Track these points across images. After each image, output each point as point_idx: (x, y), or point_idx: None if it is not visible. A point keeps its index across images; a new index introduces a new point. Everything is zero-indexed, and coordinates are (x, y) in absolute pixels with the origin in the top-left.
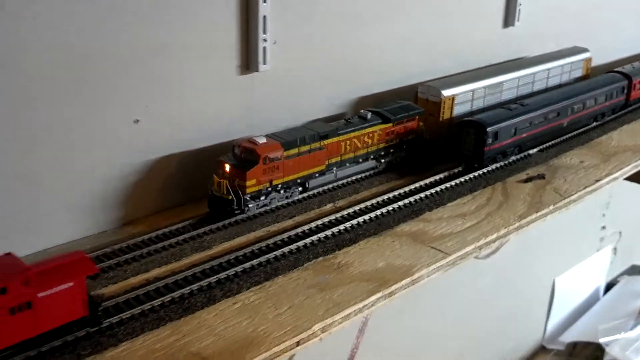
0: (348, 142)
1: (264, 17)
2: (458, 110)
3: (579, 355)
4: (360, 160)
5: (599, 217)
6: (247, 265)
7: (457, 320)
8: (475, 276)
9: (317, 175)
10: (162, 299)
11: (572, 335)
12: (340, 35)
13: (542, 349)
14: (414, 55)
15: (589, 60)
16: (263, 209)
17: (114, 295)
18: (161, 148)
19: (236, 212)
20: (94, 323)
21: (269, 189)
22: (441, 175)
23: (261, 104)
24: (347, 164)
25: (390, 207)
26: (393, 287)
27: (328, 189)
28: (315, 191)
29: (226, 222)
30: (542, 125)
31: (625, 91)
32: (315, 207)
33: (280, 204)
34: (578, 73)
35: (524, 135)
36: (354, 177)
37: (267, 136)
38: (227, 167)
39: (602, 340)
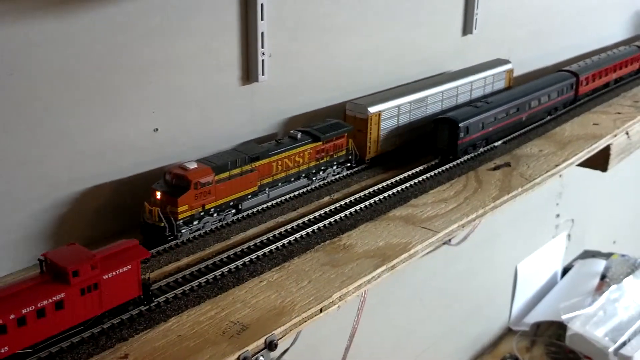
0: (279, 162)
1: (262, 33)
2: (385, 125)
3: (543, 334)
4: (292, 179)
5: (553, 206)
6: (266, 250)
7: (433, 307)
8: (447, 264)
9: (249, 196)
10: (198, 280)
11: (536, 316)
12: (325, 47)
13: (508, 331)
14: (387, 64)
15: (510, 71)
16: (197, 233)
17: (155, 280)
18: (175, 156)
19: (169, 238)
20: (147, 301)
21: (202, 213)
22: (420, 167)
23: (261, 111)
24: (279, 184)
25: (381, 196)
26: (394, 262)
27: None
28: (317, 184)
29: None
30: (505, 120)
31: (574, 87)
32: (314, 200)
33: (214, 226)
34: (501, 84)
35: (490, 129)
36: (291, 194)
37: (198, 161)
38: (159, 194)
39: (563, 317)
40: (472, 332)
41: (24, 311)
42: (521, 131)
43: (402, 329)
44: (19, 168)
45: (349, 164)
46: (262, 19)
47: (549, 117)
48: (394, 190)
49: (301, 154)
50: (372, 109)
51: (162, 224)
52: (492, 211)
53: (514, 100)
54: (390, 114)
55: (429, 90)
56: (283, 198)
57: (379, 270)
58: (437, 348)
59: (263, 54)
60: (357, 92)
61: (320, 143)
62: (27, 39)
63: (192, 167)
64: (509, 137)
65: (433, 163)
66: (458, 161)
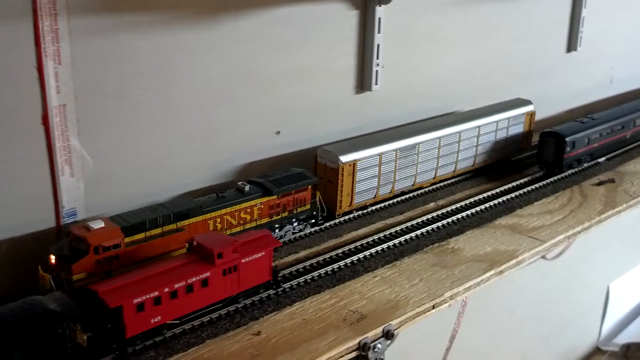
0: (218, 219)
1: (378, 45)
2: (362, 176)
3: (633, 357)
4: None
5: None
6: (378, 248)
7: (522, 320)
8: (540, 278)
9: None
10: (318, 271)
11: (627, 337)
12: (431, 58)
13: (597, 351)
14: (490, 76)
15: (532, 114)
16: None
17: (280, 268)
18: (292, 160)
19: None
20: (276, 286)
21: None
22: (525, 179)
23: (372, 119)
24: None
25: (487, 205)
26: (502, 267)
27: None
28: (420, 191)
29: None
30: (610, 137)
31: None
32: (420, 205)
33: None
34: (518, 129)
35: (595, 145)
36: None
37: (109, 218)
38: (53, 259)
39: None
40: (560, 348)
41: (176, 286)
42: (624, 149)
43: (492, 340)
44: (172, 162)
45: (313, 220)
46: (379, 32)
47: None
48: (499, 199)
49: (248, 210)
50: (345, 158)
51: None
52: (597, 225)
53: (620, 118)
54: (368, 164)
55: (421, 136)
56: None
57: (487, 274)
58: None
59: (377, 64)
60: (460, 104)
61: (274, 197)
62: (180, 46)
63: (96, 227)
64: (613, 154)
65: (537, 176)
66: (562, 175)
